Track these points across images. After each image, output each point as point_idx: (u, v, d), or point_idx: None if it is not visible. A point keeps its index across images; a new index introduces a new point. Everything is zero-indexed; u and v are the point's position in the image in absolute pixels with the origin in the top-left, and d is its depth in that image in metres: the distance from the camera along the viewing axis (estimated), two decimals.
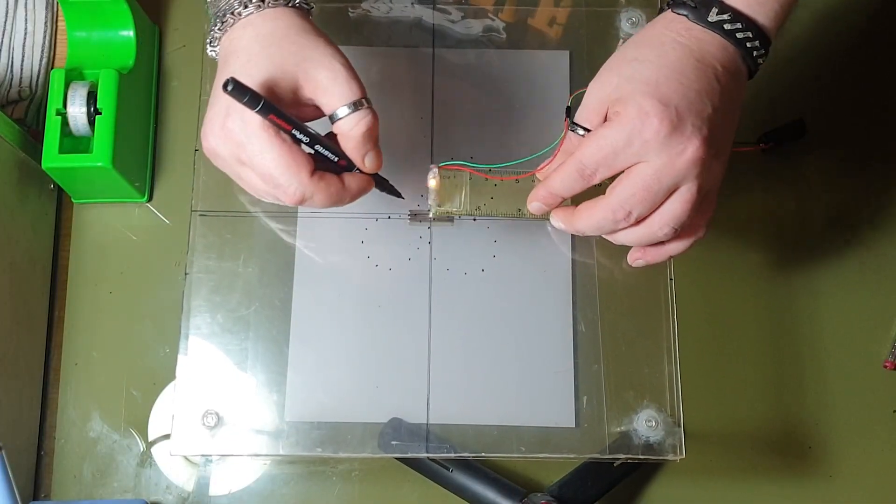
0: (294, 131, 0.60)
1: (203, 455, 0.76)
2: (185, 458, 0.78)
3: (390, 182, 0.69)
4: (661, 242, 0.64)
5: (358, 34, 0.81)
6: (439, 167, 0.68)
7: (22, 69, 0.86)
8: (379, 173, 0.66)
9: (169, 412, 0.70)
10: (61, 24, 0.88)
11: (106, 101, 0.77)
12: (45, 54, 0.87)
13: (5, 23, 0.87)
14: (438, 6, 0.81)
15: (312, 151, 0.61)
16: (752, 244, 0.84)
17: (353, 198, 0.64)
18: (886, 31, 0.90)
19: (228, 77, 0.56)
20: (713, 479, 0.79)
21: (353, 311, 0.74)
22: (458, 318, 0.73)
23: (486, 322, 0.73)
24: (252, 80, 0.60)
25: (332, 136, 0.63)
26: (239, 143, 0.60)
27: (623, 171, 0.59)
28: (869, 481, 0.80)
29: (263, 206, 0.75)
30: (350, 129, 0.62)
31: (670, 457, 0.68)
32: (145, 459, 0.79)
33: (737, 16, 0.60)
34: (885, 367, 0.81)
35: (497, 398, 0.72)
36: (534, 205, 0.65)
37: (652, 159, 0.58)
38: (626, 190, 0.59)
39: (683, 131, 0.57)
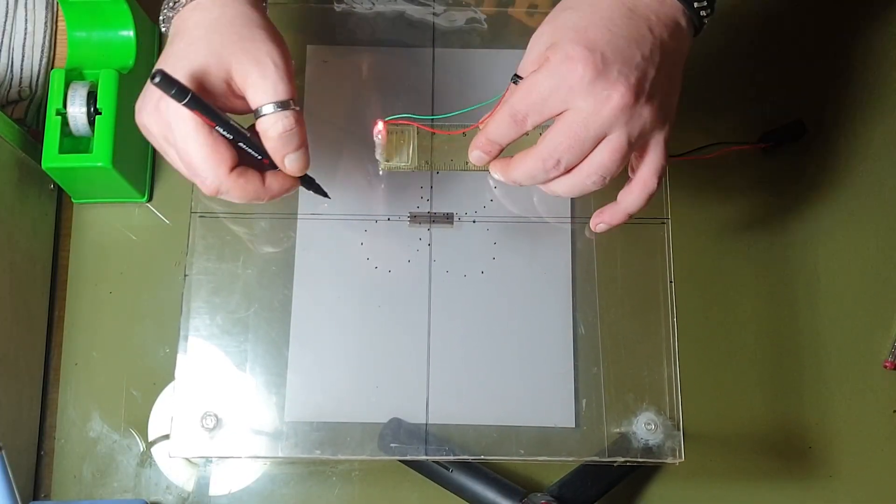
0: (217, 128, 0.60)
1: (203, 456, 0.76)
2: (186, 458, 0.78)
3: (318, 182, 0.68)
4: (614, 201, 0.64)
5: (352, 33, 0.81)
6: (385, 121, 0.67)
7: (22, 69, 0.86)
8: (308, 173, 0.65)
9: (169, 412, 0.70)
10: (61, 24, 0.88)
11: (106, 101, 0.77)
12: (45, 54, 0.87)
13: (5, 23, 0.87)
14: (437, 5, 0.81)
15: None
16: (752, 245, 0.84)
17: (273, 196, 0.64)
18: (885, 31, 0.90)
19: (157, 69, 0.57)
20: (713, 479, 0.79)
21: (353, 312, 0.74)
22: (458, 319, 0.73)
23: (485, 324, 0.73)
24: (188, 65, 0.60)
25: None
26: (168, 125, 0.61)
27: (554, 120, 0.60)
28: (869, 481, 0.80)
29: (263, 207, 0.75)
30: (268, 128, 0.61)
31: (669, 460, 0.68)
32: (145, 459, 0.79)
33: None
34: (885, 367, 0.81)
35: (497, 399, 0.72)
36: (474, 153, 0.64)
37: (579, 105, 0.58)
38: (554, 138, 0.59)
39: (608, 76, 0.57)
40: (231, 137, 0.61)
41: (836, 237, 0.85)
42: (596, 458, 0.70)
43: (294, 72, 0.63)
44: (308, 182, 0.67)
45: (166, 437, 0.78)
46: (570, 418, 0.72)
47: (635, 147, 0.60)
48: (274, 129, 0.61)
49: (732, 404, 0.81)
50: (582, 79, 0.57)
